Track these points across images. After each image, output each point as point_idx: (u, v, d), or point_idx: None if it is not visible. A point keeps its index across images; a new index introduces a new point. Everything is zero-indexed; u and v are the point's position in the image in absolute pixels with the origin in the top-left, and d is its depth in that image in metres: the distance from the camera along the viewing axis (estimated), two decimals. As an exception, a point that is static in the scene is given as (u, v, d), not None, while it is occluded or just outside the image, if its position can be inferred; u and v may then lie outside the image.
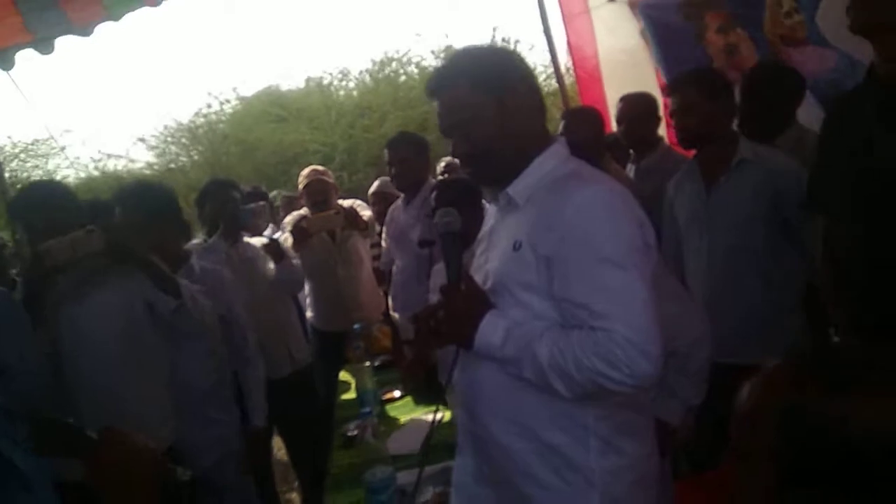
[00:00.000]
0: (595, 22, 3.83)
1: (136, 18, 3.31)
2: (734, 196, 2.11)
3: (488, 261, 1.34)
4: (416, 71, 11.00)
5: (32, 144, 10.88)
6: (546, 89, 4.62)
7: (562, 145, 1.33)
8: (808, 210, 1.77)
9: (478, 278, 1.33)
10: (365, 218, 3.53)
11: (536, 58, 8.93)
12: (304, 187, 3.55)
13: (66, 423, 1.00)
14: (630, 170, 3.07)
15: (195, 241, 3.04)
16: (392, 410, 2.56)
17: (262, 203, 3.35)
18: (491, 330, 1.23)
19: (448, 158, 3.91)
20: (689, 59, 3.06)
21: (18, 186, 10.04)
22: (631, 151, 3.13)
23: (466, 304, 1.28)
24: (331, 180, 3.64)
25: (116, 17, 3.30)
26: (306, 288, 3.60)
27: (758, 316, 2.06)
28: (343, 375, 3.09)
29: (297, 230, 3.31)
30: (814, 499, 0.68)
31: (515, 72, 1.31)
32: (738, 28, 2.86)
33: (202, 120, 11.37)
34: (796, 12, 2.46)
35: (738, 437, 0.76)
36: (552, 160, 1.29)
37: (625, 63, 3.67)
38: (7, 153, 10.55)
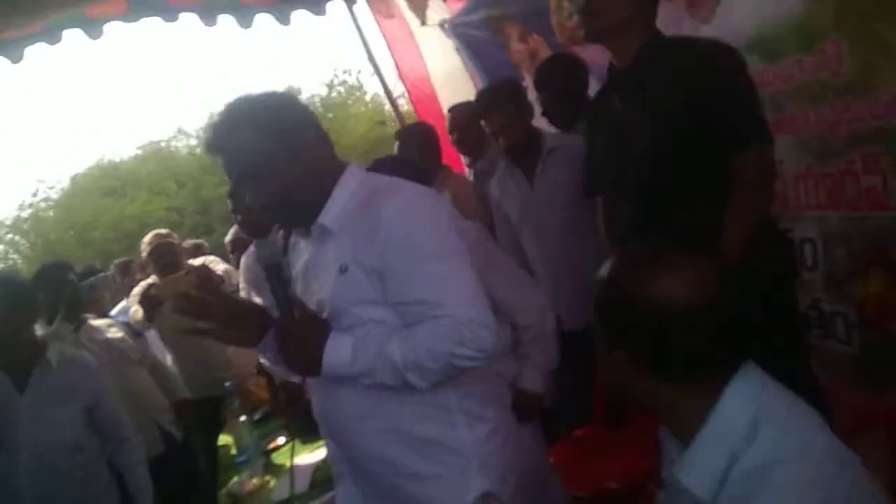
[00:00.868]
0: (420, 44, 4.05)
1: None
2: (551, 183, 2.39)
3: (316, 292, 1.37)
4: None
5: None
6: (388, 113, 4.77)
7: (356, 168, 1.40)
8: (587, 196, 2.05)
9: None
10: (220, 272, 3.46)
11: (378, 86, 9.15)
12: (149, 253, 3.43)
13: None
14: (469, 174, 3.24)
15: (38, 333, 2.84)
16: (278, 458, 2.54)
17: (102, 274, 3.18)
18: (338, 349, 1.27)
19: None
20: (500, 67, 3.33)
21: None
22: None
23: (305, 330, 1.31)
24: (176, 241, 3.54)
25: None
26: (168, 360, 3.45)
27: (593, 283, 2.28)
28: (224, 439, 2.99)
29: (147, 299, 3.18)
30: (630, 355, 0.94)
31: (300, 116, 1.35)
32: (534, 34, 3.16)
33: (28, 211, 10.51)
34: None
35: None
36: (352, 183, 1.35)
37: (452, 78, 3.90)
38: None
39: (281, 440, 2.66)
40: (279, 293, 1.36)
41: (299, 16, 3.67)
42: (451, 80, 3.88)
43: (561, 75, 2.60)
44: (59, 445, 2.20)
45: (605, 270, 0.99)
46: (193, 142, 11.12)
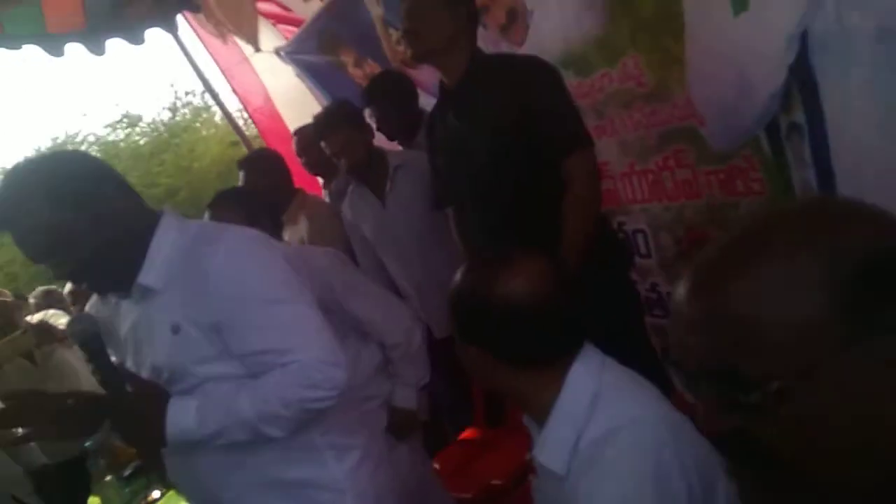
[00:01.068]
0: (256, 67, 3.96)
1: None
2: (402, 198, 2.45)
3: (149, 355, 1.26)
4: (95, 148, 10.12)
5: None
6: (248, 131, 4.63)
7: (171, 216, 1.29)
8: (437, 208, 2.14)
9: (145, 375, 1.26)
10: (62, 326, 3.18)
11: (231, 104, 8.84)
12: (-22, 316, 3.09)
13: None
14: (325, 195, 3.22)
15: None
16: (156, 514, 2.38)
17: None
18: (180, 416, 1.18)
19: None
20: (342, 88, 3.36)
21: None
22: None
23: (141, 403, 1.22)
24: (10, 298, 3.23)
25: None
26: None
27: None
28: (93, 501, 2.77)
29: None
30: (483, 349, 1.04)
31: (93, 172, 1.22)
32: (368, 59, 3.22)
33: None
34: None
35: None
36: (170, 234, 1.25)
37: (296, 100, 3.85)
38: None
39: (156, 493, 2.52)
40: (104, 369, 1.23)
41: (115, 44, 3.42)
42: (295, 101, 3.83)
43: (388, 88, 2.69)
44: None
45: (458, 273, 1.09)
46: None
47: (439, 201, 2.09)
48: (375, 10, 2.90)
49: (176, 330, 1.19)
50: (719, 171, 1.83)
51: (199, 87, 11.12)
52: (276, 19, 3.60)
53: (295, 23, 3.52)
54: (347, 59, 3.28)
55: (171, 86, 10.69)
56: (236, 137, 10.24)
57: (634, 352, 1.37)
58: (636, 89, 1.95)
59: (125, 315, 1.30)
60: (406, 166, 2.44)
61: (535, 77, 1.75)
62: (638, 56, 1.90)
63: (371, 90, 2.71)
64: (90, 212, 1.16)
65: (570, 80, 1.93)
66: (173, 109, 11.90)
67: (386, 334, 1.89)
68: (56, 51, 3.26)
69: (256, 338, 1.19)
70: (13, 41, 3.15)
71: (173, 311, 1.20)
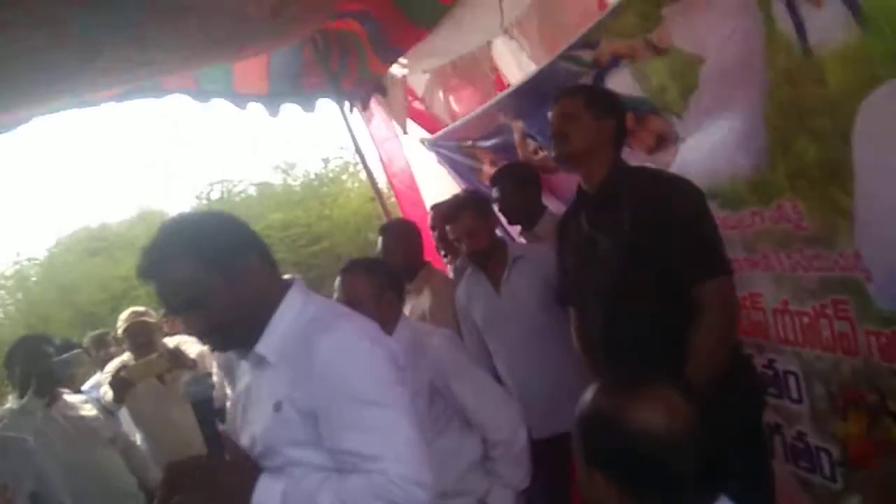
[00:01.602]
0: (403, 143, 4.17)
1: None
2: (518, 289, 2.42)
3: (251, 422, 1.29)
4: (252, 190, 11.02)
5: None
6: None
7: (298, 289, 1.31)
8: (559, 303, 2.10)
9: (244, 439, 1.30)
10: (194, 355, 3.38)
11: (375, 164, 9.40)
12: (125, 331, 3.38)
13: None
14: (449, 270, 3.24)
15: (7, 406, 2.78)
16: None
17: (77, 350, 3.11)
18: (266, 496, 1.18)
19: None
20: (474, 185, 3.47)
21: None
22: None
23: (234, 475, 1.22)
24: (153, 320, 3.48)
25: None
26: (138, 438, 3.33)
27: (564, 389, 2.26)
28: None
29: (117, 382, 3.09)
30: (608, 478, 0.99)
31: (238, 238, 1.28)
32: (503, 161, 3.23)
33: (11, 270, 10.37)
34: (541, 149, 2.89)
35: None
36: (291, 310, 1.27)
37: (435, 176, 3.98)
38: None
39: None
40: (209, 434, 1.26)
41: (288, 109, 3.88)
42: (435, 176, 3.98)
43: (514, 171, 2.81)
44: None
45: (588, 394, 1.05)
46: (184, 208, 11.22)
47: (562, 298, 2.06)
48: (515, 123, 2.98)
49: (278, 408, 1.21)
50: (882, 334, 1.61)
51: (351, 145, 12.00)
52: (421, 120, 3.84)
53: (433, 129, 3.73)
54: (484, 158, 3.38)
55: (328, 140, 11.46)
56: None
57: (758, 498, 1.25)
58: (794, 231, 1.79)
59: (242, 374, 1.37)
60: (526, 258, 2.43)
61: (680, 194, 1.70)
62: (796, 200, 1.76)
63: (497, 172, 2.84)
64: (228, 274, 1.21)
65: (716, 211, 1.82)
66: (326, 161, 12.82)
67: (491, 429, 1.83)
68: (241, 106, 3.74)
69: (347, 437, 1.18)
70: (204, 96, 3.61)
71: (279, 388, 1.22)
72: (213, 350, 1.43)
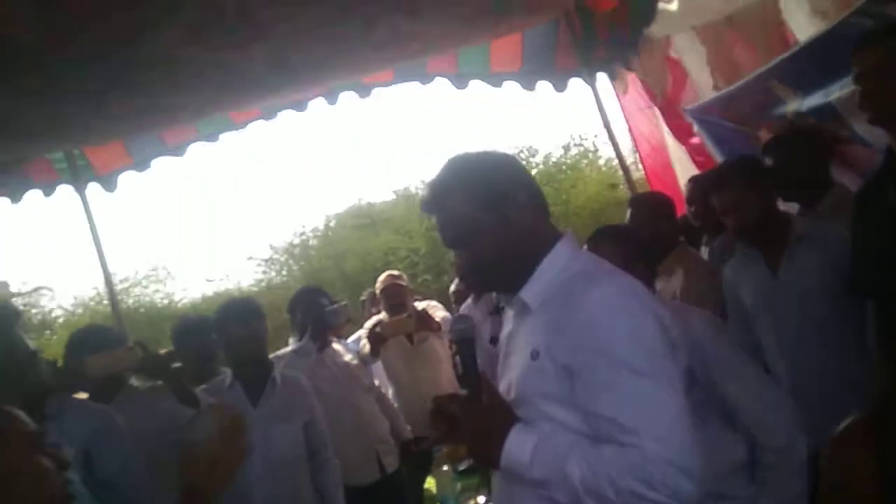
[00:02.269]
0: (658, 116, 3.86)
1: (227, 142, 3.74)
2: (801, 272, 2.02)
3: (510, 368, 1.26)
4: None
5: (153, 271, 11.84)
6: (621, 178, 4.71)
7: (568, 241, 1.26)
8: (856, 295, 1.75)
9: (502, 386, 1.26)
10: (438, 318, 3.51)
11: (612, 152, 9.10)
12: (381, 292, 3.64)
13: None
14: (704, 252, 2.92)
15: (287, 348, 3.14)
16: (475, 517, 2.41)
17: (343, 303, 3.44)
18: (518, 447, 1.13)
19: None
20: (744, 150, 2.99)
21: (142, 311, 10.94)
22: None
23: (489, 419, 1.19)
24: (405, 283, 3.70)
25: (210, 139, 3.72)
26: (389, 392, 3.58)
27: (845, 394, 1.84)
28: (429, 483, 2.97)
29: (373, 336, 3.34)
30: None
31: (513, 178, 1.26)
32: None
33: (298, 239, 12.06)
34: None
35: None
36: (560, 260, 1.22)
37: (686, 155, 3.64)
38: (131, 282, 11.52)
39: (481, 499, 2.56)
40: (469, 371, 1.26)
41: (542, 86, 3.91)
42: (686, 156, 3.62)
43: (790, 142, 2.34)
44: (285, 457, 2.38)
45: None
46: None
47: (857, 285, 1.71)
48: (790, 99, 2.52)
49: (534, 356, 1.16)
50: None
51: (592, 133, 11.72)
52: (679, 86, 3.48)
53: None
54: (760, 126, 2.93)
55: (568, 127, 11.35)
56: (614, 182, 10.48)
57: None
58: None
59: (506, 322, 1.34)
60: (813, 238, 2.01)
61: None
62: None
63: (773, 140, 2.42)
64: (501, 214, 1.20)
65: None
66: (566, 148, 12.68)
67: (763, 432, 1.53)
68: (496, 85, 3.86)
69: (603, 400, 1.07)
70: (462, 80, 3.77)
71: (537, 337, 1.17)
72: (475, 291, 1.42)
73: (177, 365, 2.24)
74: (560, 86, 3.96)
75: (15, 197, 3.53)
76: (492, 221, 1.20)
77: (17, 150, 2.94)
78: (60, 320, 11.15)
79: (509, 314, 1.33)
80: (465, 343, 1.29)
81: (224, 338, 2.50)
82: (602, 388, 1.07)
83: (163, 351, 2.34)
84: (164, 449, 2.17)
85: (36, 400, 1.62)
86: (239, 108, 3.51)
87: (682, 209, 3.02)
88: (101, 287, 9.66)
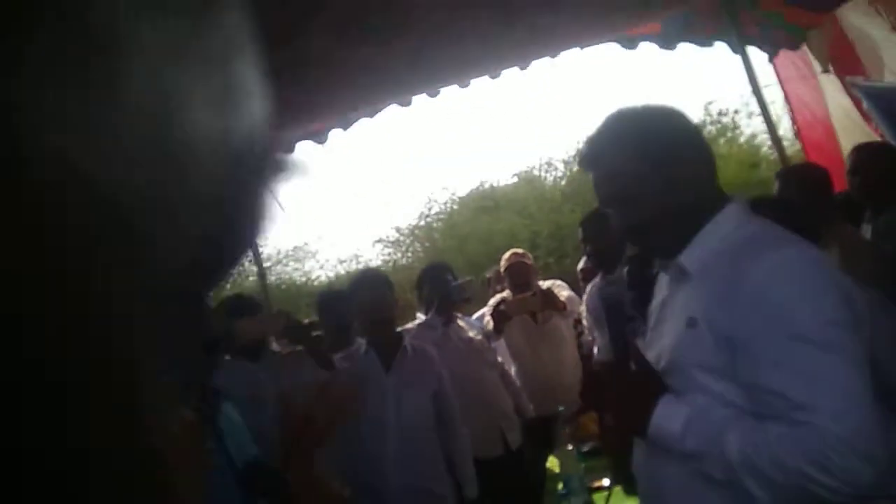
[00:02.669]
0: (823, 84, 3.49)
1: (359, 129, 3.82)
2: None
3: (661, 336, 1.18)
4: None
5: (293, 250, 12.64)
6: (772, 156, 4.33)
7: (739, 206, 1.15)
8: None
9: (651, 355, 1.18)
10: (563, 298, 3.42)
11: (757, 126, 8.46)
12: (506, 270, 3.60)
13: (271, 470, 1.09)
14: (866, 230, 2.60)
15: (414, 322, 3.22)
16: (600, 500, 2.33)
17: (468, 279, 3.46)
18: (667, 418, 1.06)
19: None
20: None
21: (283, 287, 11.73)
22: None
23: (637, 386, 1.14)
24: (530, 262, 3.64)
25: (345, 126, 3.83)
26: (512, 370, 3.55)
27: None
28: (550, 462, 2.92)
29: (497, 313, 3.32)
30: None
31: (679, 132, 1.17)
32: None
33: (423, 221, 12.32)
34: None
35: None
36: (728, 223, 1.12)
37: (856, 126, 3.26)
38: (274, 260, 12.37)
39: (605, 482, 2.47)
40: (616, 335, 1.23)
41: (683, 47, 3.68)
42: (855, 128, 3.23)
43: None
44: (415, 423, 2.44)
45: None
46: (559, 173, 11.68)
47: None
48: None
49: (692, 324, 1.06)
50: None
51: (733, 107, 10.91)
52: (846, 57, 3.11)
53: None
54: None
55: (704, 103, 10.59)
56: (755, 161, 9.68)
57: None
58: None
59: (659, 289, 1.26)
60: None
61: None
62: None
63: None
64: (665, 172, 1.12)
65: None
66: (702, 125, 11.91)
67: None
68: (631, 47, 3.68)
69: (771, 375, 0.96)
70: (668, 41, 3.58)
71: (696, 304, 1.08)
72: (602, 268, 1.35)
73: (317, 333, 2.37)
74: (706, 43, 3.70)
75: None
76: (653, 177, 1.12)
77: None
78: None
79: (663, 281, 1.25)
80: (614, 309, 1.25)
81: (356, 304, 2.59)
82: (772, 361, 0.96)
83: (305, 321, 2.49)
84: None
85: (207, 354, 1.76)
86: (377, 103, 3.61)
87: (841, 185, 2.71)
88: (246, 264, 10.44)
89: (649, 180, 1.12)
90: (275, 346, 2.67)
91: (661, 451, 1.10)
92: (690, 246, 1.12)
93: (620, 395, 1.16)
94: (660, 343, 1.17)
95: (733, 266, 1.03)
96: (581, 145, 1.23)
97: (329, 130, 3.91)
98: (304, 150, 3.97)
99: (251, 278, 10.32)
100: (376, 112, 3.85)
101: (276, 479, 1.07)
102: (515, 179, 12.14)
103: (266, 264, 11.90)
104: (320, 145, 3.94)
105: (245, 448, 1.53)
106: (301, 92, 2.63)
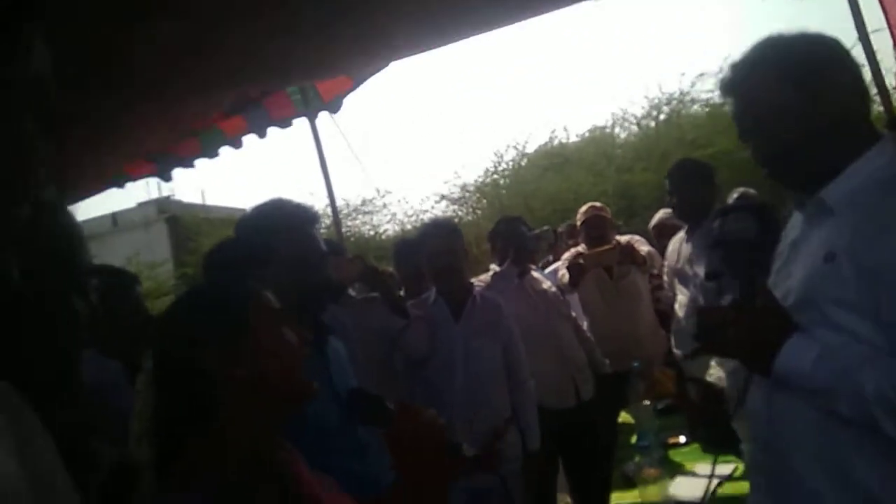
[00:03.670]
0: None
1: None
2: None
3: (790, 276, 1.11)
4: (702, 109, 10.21)
5: (362, 204, 12.75)
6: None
7: (891, 142, 1.07)
8: None
9: (778, 294, 1.11)
10: (643, 253, 3.27)
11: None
12: (582, 223, 3.48)
13: (375, 396, 1.10)
14: None
15: (488, 273, 3.15)
16: (676, 456, 2.27)
17: (546, 228, 3.37)
18: (797, 354, 1.01)
19: (741, 189, 3.43)
20: None
21: (352, 240, 11.90)
22: None
23: (763, 323, 1.07)
24: (608, 215, 3.50)
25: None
26: (585, 325, 3.46)
27: None
28: (623, 417, 2.84)
29: (573, 267, 3.22)
30: None
31: (832, 59, 1.09)
32: None
33: (491, 178, 12.10)
34: None
35: None
36: (880, 159, 1.04)
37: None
38: (343, 213, 12.52)
39: (682, 439, 2.38)
40: (743, 274, 1.14)
41: None
42: None
43: None
44: (484, 371, 2.40)
45: None
46: (633, 129, 11.16)
47: None
48: None
49: (830, 258, 1.01)
50: None
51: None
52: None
53: None
54: None
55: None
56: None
57: None
58: None
59: (792, 228, 1.20)
60: None
61: None
62: None
63: None
64: (811, 93, 1.05)
65: None
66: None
67: None
68: None
69: None
70: None
71: (836, 239, 1.02)
72: (779, 182, 1.22)
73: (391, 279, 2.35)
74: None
75: (261, 133, 3.86)
76: (801, 100, 1.05)
77: (269, 84, 3.19)
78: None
79: (796, 220, 1.18)
80: (741, 244, 1.18)
81: (425, 252, 2.55)
82: None
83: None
84: (375, 350, 2.35)
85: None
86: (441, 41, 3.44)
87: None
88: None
89: (796, 101, 1.05)
90: (350, 292, 2.67)
91: (781, 390, 1.05)
92: (836, 181, 1.06)
93: (746, 333, 1.08)
94: (788, 282, 1.11)
95: (886, 200, 0.97)
96: (725, 73, 1.15)
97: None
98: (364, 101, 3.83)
99: (324, 229, 10.51)
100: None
101: (380, 404, 1.06)
102: (586, 135, 11.71)
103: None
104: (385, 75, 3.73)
105: (346, 378, 1.61)
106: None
